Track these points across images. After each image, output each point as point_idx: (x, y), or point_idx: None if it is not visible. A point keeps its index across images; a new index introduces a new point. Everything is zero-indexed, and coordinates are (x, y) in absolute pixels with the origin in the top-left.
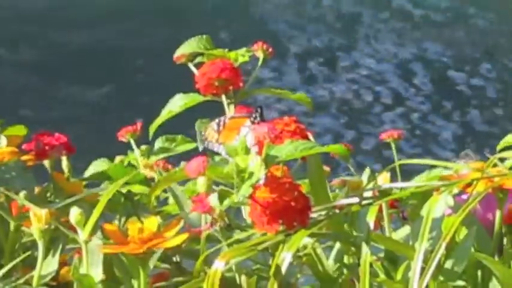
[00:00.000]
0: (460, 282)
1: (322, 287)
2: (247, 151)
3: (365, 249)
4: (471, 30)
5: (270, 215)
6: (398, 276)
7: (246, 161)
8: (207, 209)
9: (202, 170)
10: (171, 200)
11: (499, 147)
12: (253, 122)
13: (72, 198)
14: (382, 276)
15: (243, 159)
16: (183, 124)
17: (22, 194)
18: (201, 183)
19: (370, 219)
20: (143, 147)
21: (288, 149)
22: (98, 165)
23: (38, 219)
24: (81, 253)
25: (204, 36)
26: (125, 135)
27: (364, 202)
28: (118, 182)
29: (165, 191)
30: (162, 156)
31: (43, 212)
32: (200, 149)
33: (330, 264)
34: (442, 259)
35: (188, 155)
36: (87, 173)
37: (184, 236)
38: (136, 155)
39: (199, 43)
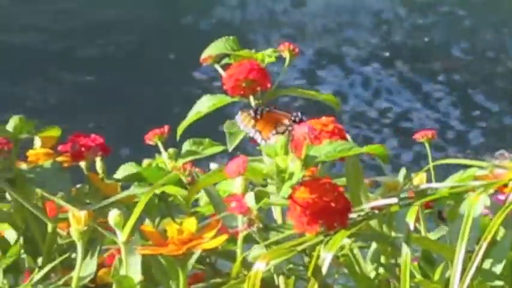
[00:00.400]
0: (498, 282)
1: (359, 287)
2: (286, 151)
3: (405, 249)
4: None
5: (310, 215)
6: (436, 277)
7: (285, 162)
8: (245, 209)
9: (242, 170)
10: (202, 201)
11: None
12: (294, 122)
13: (109, 200)
14: (418, 276)
15: (282, 159)
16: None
17: (60, 195)
18: (238, 184)
19: (410, 220)
20: (171, 150)
21: (327, 149)
22: (127, 169)
23: (77, 221)
24: (117, 254)
25: (231, 37)
26: (152, 138)
27: (401, 203)
28: (157, 183)
29: None
30: (189, 159)
31: (82, 214)
32: (229, 149)
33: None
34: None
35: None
36: (117, 176)
37: (223, 237)
38: (164, 158)
39: (226, 44)
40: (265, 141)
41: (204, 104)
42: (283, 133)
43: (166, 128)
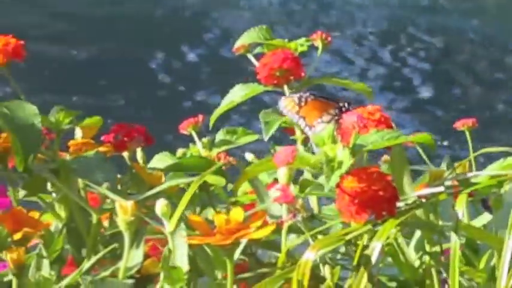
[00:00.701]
0: None
1: (405, 276)
2: (334, 140)
3: (454, 238)
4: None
5: (359, 204)
6: (481, 265)
7: (334, 150)
8: (290, 199)
9: (290, 160)
10: (240, 191)
11: None
12: (341, 111)
13: (154, 190)
14: (462, 265)
15: (331, 148)
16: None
17: (105, 185)
18: (282, 174)
19: (459, 209)
20: (205, 139)
21: (374, 138)
22: (161, 159)
23: (124, 211)
24: (158, 245)
25: (264, 26)
26: (186, 127)
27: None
28: (205, 173)
29: (231, 181)
30: (223, 148)
31: (129, 204)
32: (265, 139)
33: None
34: None
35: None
36: (151, 165)
37: (271, 227)
38: (199, 147)
39: (259, 33)
40: (309, 128)
41: (237, 94)
42: (328, 122)
43: (200, 117)
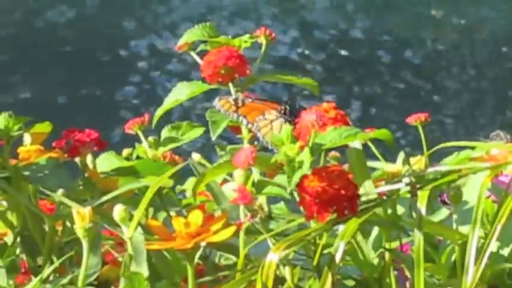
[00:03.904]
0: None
1: (364, 274)
2: (293, 140)
3: (418, 234)
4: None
5: (320, 203)
6: (442, 261)
7: (294, 150)
8: (249, 200)
9: (251, 161)
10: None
11: None
12: (284, 114)
13: (109, 195)
14: None
15: (291, 148)
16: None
17: (60, 192)
18: (239, 175)
19: (422, 205)
20: (151, 138)
21: (332, 136)
22: (107, 158)
23: (81, 218)
24: (113, 251)
25: (208, 23)
26: (132, 127)
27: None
28: (163, 176)
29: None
30: (170, 147)
31: (86, 210)
32: (213, 138)
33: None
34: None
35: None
36: (100, 167)
37: (232, 229)
38: (145, 147)
39: (203, 31)
40: (252, 125)
41: (183, 92)
42: (272, 121)
43: (146, 116)
